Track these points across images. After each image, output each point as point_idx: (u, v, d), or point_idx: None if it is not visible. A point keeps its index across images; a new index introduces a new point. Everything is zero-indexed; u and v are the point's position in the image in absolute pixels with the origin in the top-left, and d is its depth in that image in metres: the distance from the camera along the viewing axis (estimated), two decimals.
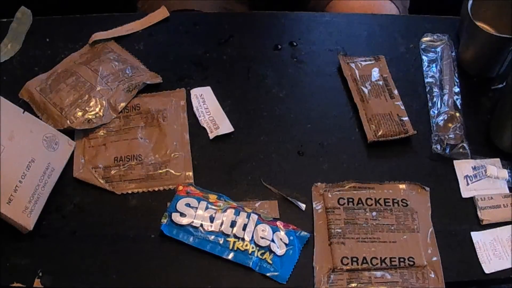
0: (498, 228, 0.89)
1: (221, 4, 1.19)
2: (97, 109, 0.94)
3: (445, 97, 0.99)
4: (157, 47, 1.04)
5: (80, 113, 0.93)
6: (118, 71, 0.98)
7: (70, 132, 0.92)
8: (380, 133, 0.95)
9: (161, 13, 1.05)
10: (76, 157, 0.92)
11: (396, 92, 0.99)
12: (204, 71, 1.02)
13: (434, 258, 0.86)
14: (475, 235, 0.88)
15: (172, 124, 0.95)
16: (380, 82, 1.00)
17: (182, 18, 1.08)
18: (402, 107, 0.98)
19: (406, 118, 0.96)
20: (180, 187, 0.89)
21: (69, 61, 1.00)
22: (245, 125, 0.97)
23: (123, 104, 0.95)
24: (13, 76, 1.00)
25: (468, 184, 0.93)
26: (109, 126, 0.94)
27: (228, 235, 0.85)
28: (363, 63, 1.02)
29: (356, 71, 1.01)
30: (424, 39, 1.06)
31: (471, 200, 0.92)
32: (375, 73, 1.01)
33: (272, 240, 0.86)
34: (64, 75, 0.97)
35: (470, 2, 0.98)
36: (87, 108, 0.93)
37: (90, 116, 0.93)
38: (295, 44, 1.06)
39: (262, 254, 0.85)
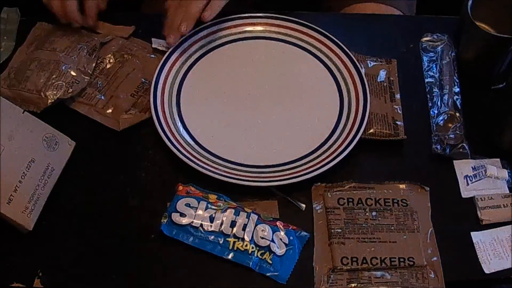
0: (498, 228, 0.89)
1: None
2: (71, 79, 0.96)
3: (445, 97, 0.99)
4: None
5: (57, 87, 0.95)
6: (72, 42, 1.01)
7: (71, 131, 0.92)
8: (370, 131, 0.95)
9: (126, 30, 1.05)
10: (105, 121, 0.96)
11: (398, 96, 0.99)
12: None
13: (434, 258, 0.86)
14: (475, 235, 0.89)
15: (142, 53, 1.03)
16: (385, 84, 1.00)
17: None
18: (400, 112, 0.98)
19: (400, 123, 0.96)
20: (180, 187, 0.89)
21: (19, 54, 1.02)
22: None
23: (92, 66, 0.99)
24: None
25: (468, 184, 0.93)
26: (98, 85, 0.99)
27: (228, 235, 0.85)
28: (372, 63, 1.02)
29: (362, 70, 1.00)
30: (424, 39, 1.06)
31: (471, 200, 0.92)
32: (382, 74, 1.01)
33: (272, 240, 0.86)
34: (24, 65, 0.98)
35: (470, 2, 0.98)
36: (61, 82, 0.95)
37: (67, 86, 0.96)
38: None
39: (262, 254, 0.85)
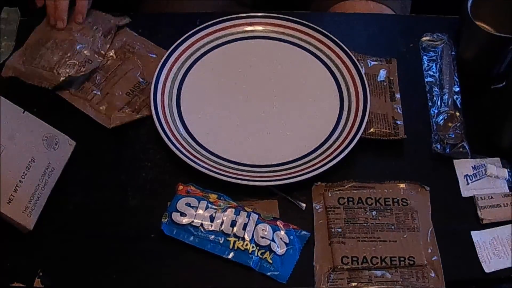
0: (498, 228, 0.89)
1: (222, 6, 1.19)
2: (84, 58, 0.98)
3: (445, 97, 0.99)
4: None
5: (70, 66, 0.96)
6: (88, 23, 1.02)
7: (71, 131, 0.92)
8: (370, 131, 0.95)
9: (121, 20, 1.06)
10: (98, 117, 0.96)
11: (398, 96, 0.99)
12: None
13: (434, 258, 0.86)
14: (475, 234, 0.89)
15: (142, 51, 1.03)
16: (385, 83, 1.00)
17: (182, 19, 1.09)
18: (400, 111, 0.98)
19: (400, 122, 0.96)
20: (181, 187, 0.89)
21: (37, 32, 1.02)
22: None
23: (106, 47, 1.01)
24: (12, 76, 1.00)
25: (468, 183, 0.93)
26: (96, 80, 0.99)
27: (228, 235, 0.85)
28: (372, 62, 1.02)
29: (362, 70, 1.00)
30: (424, 38, 1.06)
31: (471, 199, 0.92)
32: (382, 74, 1.01)
33: (272, 240, 0.86)
34: (40, 43, 0.99)
35: (470, 2, 0.98)
36: (74, 61, 0.97)
37: (80, 65, 0.97)
38: None
39: (262, 253, 0.85)
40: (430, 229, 0.88)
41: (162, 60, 1.00)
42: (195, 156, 0.92)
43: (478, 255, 0.87)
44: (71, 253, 0.86)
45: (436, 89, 1.01)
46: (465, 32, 1.02)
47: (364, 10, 1.13)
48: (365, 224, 0.88)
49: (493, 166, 0.93)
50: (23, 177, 0.85)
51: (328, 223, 0.88)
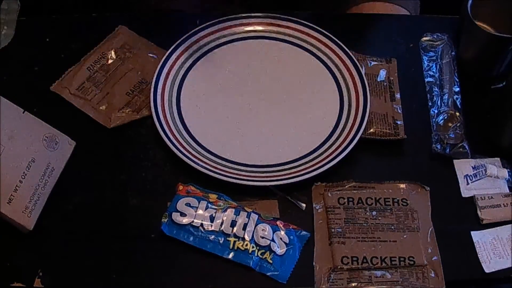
0: (498, 228, 0.89)
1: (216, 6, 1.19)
2: None
3: (445, 97, 0.99)
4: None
5: None
6: None
7: (71, 131, 0.92)
8: (370, 131, 0.95)
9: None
10: (98, 116, 0.96)
11: (398, 96, 0.99)
12: None
13: (434, 258, 0.86)
14: (475, 235, 0.89)
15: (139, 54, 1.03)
16: (385, 83, 1.00)
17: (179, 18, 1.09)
18: (400, 111, 0.98)
19: (400, 122, 0.96)
20: (181, 187, 0.89)
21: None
22: None
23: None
24: (12, 76, 1.00)
25: (468, 183, 0.93)
26: (96, 80, 0.99)
27: (228, 235, 0.85)
28: (372, 62, 1.02)
29: (362, 70, 1.01)
30: (424, 38, 1.06)
31: (471, 199, 0.92)
32: (382, 74, 1.01)
33: (272, 240, 0.86)
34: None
35: (470, 2, 0.98)
36: None
37: None
38: None
39: (262, 253, 0.85)
40: (430, 229, 0.88)
41: (162, 60, 1.00)
42: (195, 156, 0.92)
43: (478, 255, 0.87)
44: (71, 253, 0.86)
45: (436, 89, 1.01)
46: (465, 32, 1.02)
47: (382, 11, 1.13)
48: (365, 224, 0.88)
49: (493, 166, 0.93)
50: (23, 177, 0.85)
51: (328, 223, 0.88)
